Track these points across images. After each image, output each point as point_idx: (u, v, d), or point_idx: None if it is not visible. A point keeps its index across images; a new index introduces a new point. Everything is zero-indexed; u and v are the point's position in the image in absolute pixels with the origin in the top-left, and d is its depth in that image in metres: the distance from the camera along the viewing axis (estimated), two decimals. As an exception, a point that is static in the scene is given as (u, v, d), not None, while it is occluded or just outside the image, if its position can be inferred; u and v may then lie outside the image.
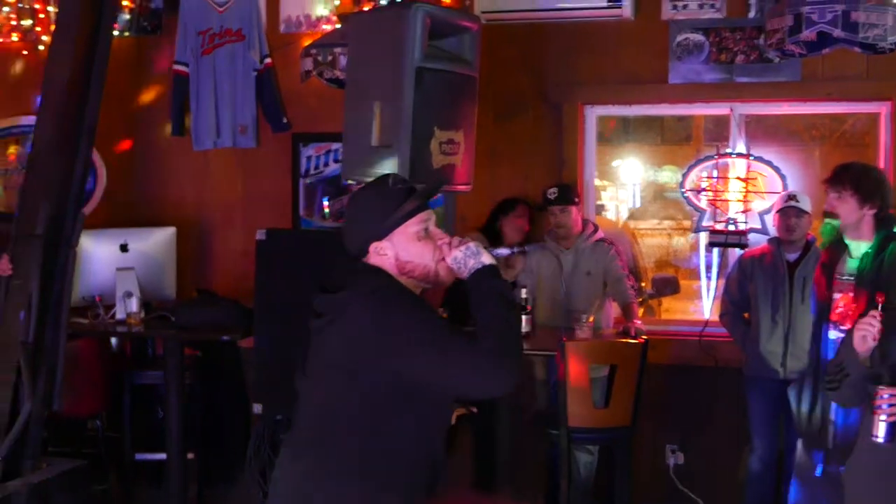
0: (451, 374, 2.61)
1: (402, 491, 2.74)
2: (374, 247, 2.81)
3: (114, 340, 6.65)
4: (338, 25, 6.29)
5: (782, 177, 5.99)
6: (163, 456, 5.89)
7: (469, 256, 2.79)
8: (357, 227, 2.87)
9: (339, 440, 2.74)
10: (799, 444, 4.68)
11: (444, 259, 2.81)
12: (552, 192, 5.84)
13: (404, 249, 2.80)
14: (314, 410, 2.80)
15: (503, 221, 6.10)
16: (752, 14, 5.97)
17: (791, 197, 5.55)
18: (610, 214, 9.40)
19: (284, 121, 6.60)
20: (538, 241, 6.03)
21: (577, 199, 5.87)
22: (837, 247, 4.50)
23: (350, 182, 6.38)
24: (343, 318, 2.69)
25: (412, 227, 2.80)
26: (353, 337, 2.66)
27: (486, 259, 2.80)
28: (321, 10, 6.51)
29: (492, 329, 2.64)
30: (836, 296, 4.44)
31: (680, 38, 6.09)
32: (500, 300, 2.72)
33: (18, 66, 7.02)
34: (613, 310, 6.12)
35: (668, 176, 10.42)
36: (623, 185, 10.02)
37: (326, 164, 6.62)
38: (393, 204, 2.80)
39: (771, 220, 5.79)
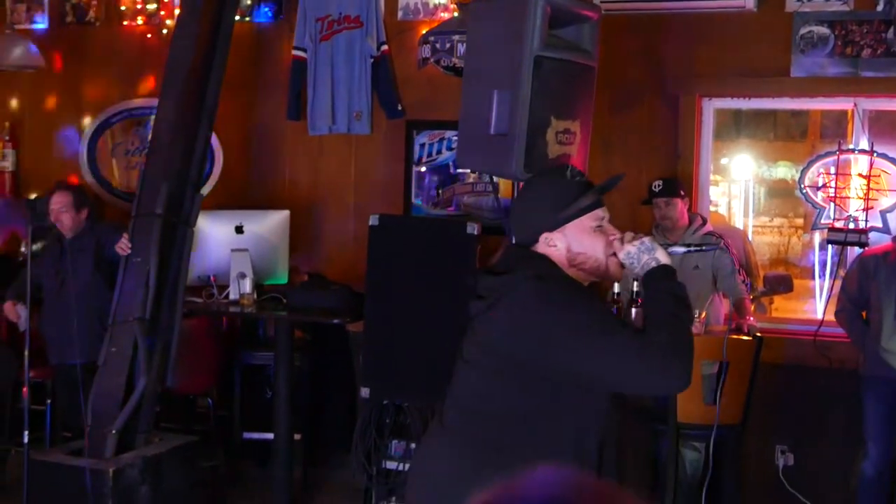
0: (617, 365, 2.54)
1: None
2: (545, 237, 2.77)
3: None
4: (456, 13, 6.28)
5: (907, 175, 5.81)
6: (270, 436, 5.97)
7: (643, 252, 2.75)
8: (529, 216, 2.84)
9: (490, 424, 2.70)
10: None
11: (614, 254, 2.77)
12: (657, 185, 5.77)
13: (577, 241, 2.76)
14: (468, 393, 2.76)
15: None
16: (880, 7, 5.79)
17: (916, 195, 5.40)
18: (721, 211, 9.25)
19: (399, 108, 6.62)
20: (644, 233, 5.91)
21: (682, 192, 5.77)
22: None
23: (462, 171, 6.46)
24: (507, 300, 2.65)
25: (587, 221, 2.77)
26: (516, 320, 2.62)
27: (662, 257, 2.75)
28: (439, -2, 6.53)
29: (664, 326, 2.58)
30: None
31: (804, 30, 5.93)
32: (674, 300, 2.67)
33: (143, 49, 7.16)
34: (724, 306, 6.01)
35: (783, 172, 10.19)
36: (735, 181, 9.84)
37: (439, 152, 6.63)
38: (569, 197, 2.77)
39: (894, 219, 5.62)
